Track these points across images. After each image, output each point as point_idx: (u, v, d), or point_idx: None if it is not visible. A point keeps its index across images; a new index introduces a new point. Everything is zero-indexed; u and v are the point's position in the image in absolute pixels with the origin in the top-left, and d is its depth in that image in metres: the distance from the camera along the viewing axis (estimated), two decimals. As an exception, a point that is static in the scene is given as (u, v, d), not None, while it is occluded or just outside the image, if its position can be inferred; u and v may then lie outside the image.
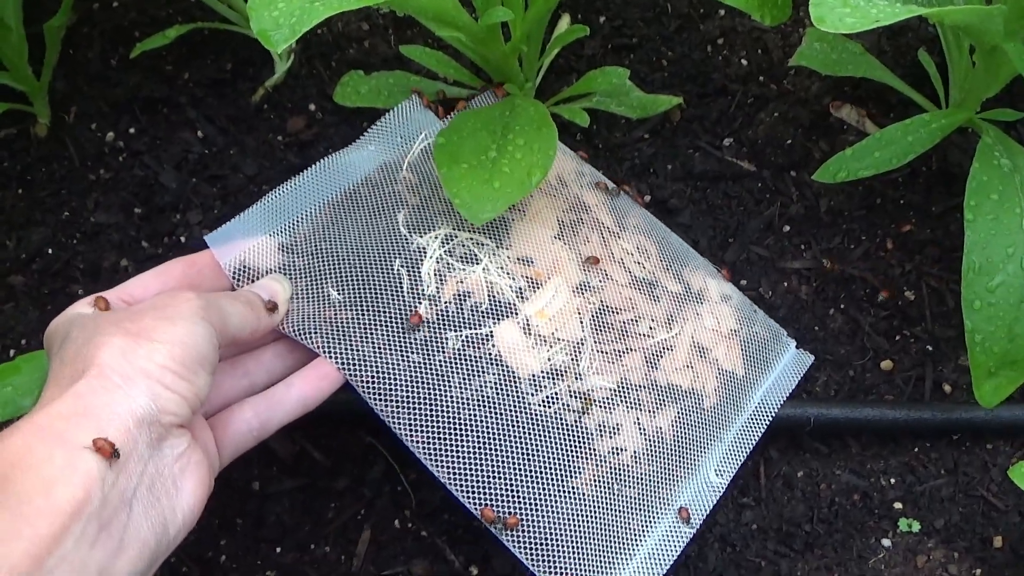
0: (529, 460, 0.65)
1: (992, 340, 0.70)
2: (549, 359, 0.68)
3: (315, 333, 0.64)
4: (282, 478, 0.74)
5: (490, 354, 0.67)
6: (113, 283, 0.77)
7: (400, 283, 0.67)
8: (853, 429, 0.77)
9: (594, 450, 0.67)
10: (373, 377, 0.63)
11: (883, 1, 0.56)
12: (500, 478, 0.63)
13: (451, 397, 0.64)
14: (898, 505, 0.75)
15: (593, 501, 0.65)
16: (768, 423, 0.74)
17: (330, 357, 0.63)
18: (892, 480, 0.76)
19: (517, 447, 0.65)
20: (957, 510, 0.75)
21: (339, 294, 0.66)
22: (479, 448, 0.64)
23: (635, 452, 0.68)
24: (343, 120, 0.85)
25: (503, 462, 0.64)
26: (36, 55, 0.84)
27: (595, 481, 0.66)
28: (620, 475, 0.67)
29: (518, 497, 0.63)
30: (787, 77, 0.89)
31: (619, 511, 0.66)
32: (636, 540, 0.66)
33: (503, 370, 0.66)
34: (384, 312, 0.66)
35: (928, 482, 0.76)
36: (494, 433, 0.64)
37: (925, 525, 0.74)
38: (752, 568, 0.72)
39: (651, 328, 0.73)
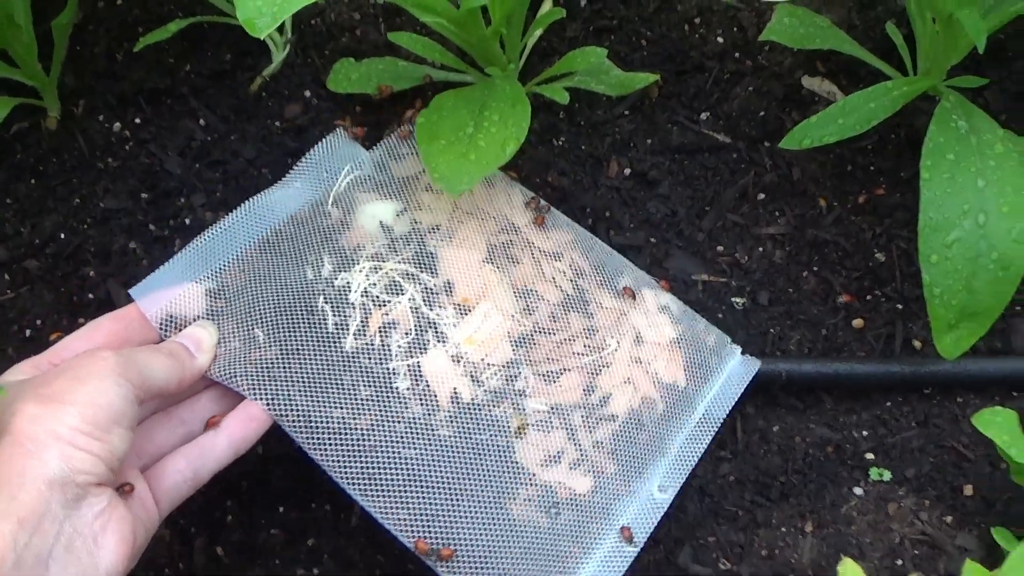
0: (462, 489, 0.64)
1: (950, 293, 0.74)
2: (480, 385, 0.67)
3: (241, 375, 0.64)
4: (283, 441, 0.78)
5: (418, 384, 0.66)
6: (123, 265, 0.82)
7: (324, 319, 0.67)
8: (826, 384, 0.80)
9: (530, 474, 0.66)
10: (300, 415, 0.63)
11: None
12: (433, 509, 0.63)
13: (379, 430, 0.64)
14: (870, 456, 0.78)
15: (529, 526, 0.65)
16: (715, 432, 0.73)
17: (256, 398, 0.63)
18: (864, 432, 0.79)
19: (449, 477, 0.64)
20: (928, 460, 0.78)
21: (264, 334, 0.66)
22: (410, 480, 0.63)
23: (573, 473, 0.67)
24: (337, 105, 0.89)
25: (435, 493, 0.63)
26: (45, 52, 0.89)
27: (531, 505, 0.65)
28: (557, 498, 0.66)
29: (453, 527, 0.63)
30: (762, 53, 0.93)
31: (557, 535, 0.66)
32: (576, 563, 0.65)
33: (432, 399, 0.66)
34: (309, 350, 0.66)
35: (899, 434, 0.79)
36: (425, 464, 0.64)
37: (896, 474, 0.78)
38: (729, 517, 0.76)
39: (587, 346, 0.72)
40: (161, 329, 0.66)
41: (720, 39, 0.94)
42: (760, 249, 0.85)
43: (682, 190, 0.87)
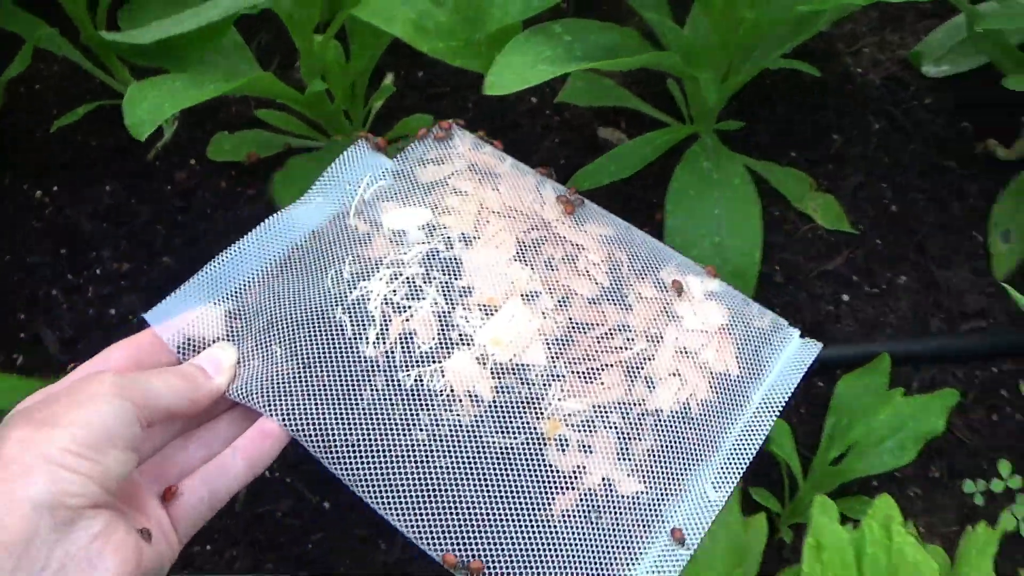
0: (493, 498, 0.61)
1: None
2: (509, 387, 0.64)
3: (257, 393, 0.61)
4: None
5: (442, 391, 0.63)
6: (48, 309, 1.01)
7: (343, 330, 0.64)
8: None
9: (568, 478, 0.62)
10: (317, 429, 0.61)
11: (545, 64, 0.79)
12: (461, 521, 0.60)
13: (400, 440, 0.61)
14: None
15: (569, 533, 0.61)
16: (773, 422, 0.68)
17: (271, 414, 0.61)
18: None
19: (478, 486, 0.61)
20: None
21: (282, 350, 0.63)
22: (435, 491, 0.60)
23: (616, 475, 0.63)
24: (215, 171, 1.09)
25: (463, 504, 0.60)
26: (-23, 134, 1.09)
27: (571, 511, 0.62)
28: (599, 502, 0.62)
29: (483, 539, 0.60)
30: (568, 109, 1.13)
31: (601, 541, 0.61)
32: (624, 570, 0.61)
33: (457, 405, 0.63)
34: (326, 362, 0.63)
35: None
36: (451, 474, 0.61)
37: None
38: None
39: (628, 339, 0.68)
40: (179, 352, 0.64)
41: (534, 99, 1.14)
42: (562, 271, 1.04)
43: (499, 226, 1.06)
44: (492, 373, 0.64)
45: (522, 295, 0.68)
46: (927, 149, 1.13)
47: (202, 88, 0.84)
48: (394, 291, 0.66)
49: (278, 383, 0.62)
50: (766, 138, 1.11)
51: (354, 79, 1.01)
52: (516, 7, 0.84)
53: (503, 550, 0.59)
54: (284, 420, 0.60)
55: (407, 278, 0.67)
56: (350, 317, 0.65)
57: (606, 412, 0.64)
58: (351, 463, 0.60)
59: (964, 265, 1.07)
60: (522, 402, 0.64)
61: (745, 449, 0.67)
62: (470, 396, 0.63)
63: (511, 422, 0.63)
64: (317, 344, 0.63)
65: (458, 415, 0.63)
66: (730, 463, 0.66)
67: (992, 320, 1.05)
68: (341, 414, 0.61)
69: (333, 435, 0.61)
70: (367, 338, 0.64)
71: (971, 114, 1.16)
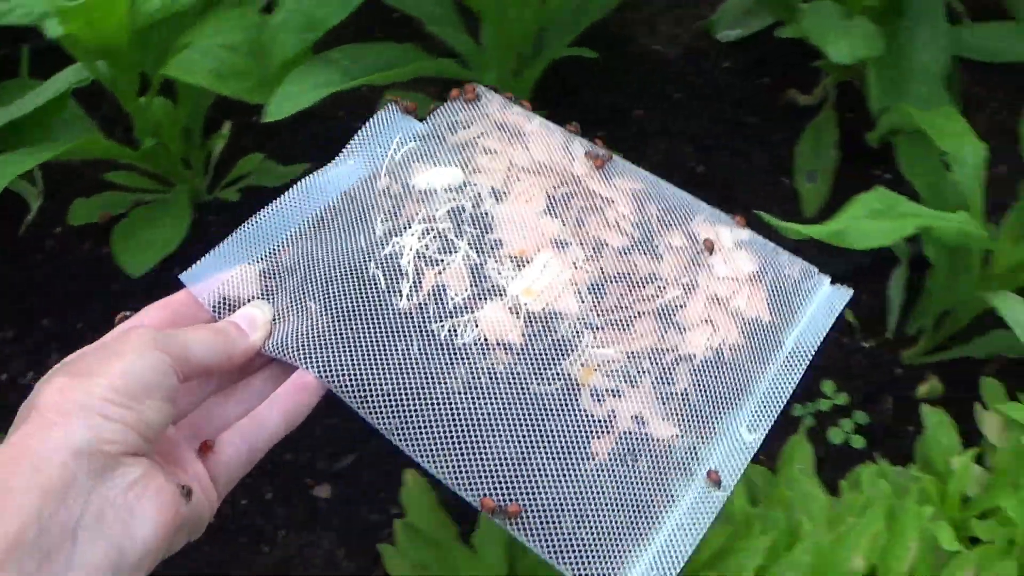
0: (528, 444, 0.62)
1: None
2: (543, 336, 0.65)
3: (293, 347, 0.62)
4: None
5: (476, 341, 0.64)
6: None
7: (376, 283, 0.65)
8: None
9: (604, 424, 0.64)
10: (353, 380, 0.62)
11: (318, 88, 0.89)
12: (496, 466, 0.61)
13: (435, 389, 0.62)
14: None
15: (606, 477, 0.62)
16: (806, 367, 0.70)
17: (308, 367, 0.62)
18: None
19: (513, 433, 0.62)
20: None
21: (316, 305, 0.64)
22: (471, 438, 0.61)
23: (650, 419, 0.64)
24: (78, 235, 1.20)
25: (498, 450, 0.61)
26: None
27: (607, 456, 0.63)
28: (635, 446, 0.64)
29: (519, 484, 0.61)
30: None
31: (637, 484, 0.63)
32: (661, 512, 0.62)
33: (491, 354, 0.64)
34: (361, 315, 0.64)
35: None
36: (486, 421, 0.62)
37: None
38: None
39: (660, 288, 0.69)
40: (214, 311, 0.64)
41: (359, 124, 1.23)
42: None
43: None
44: (525, 322, 0.65)
45: (553, 246, 0.69)
46: (729, 109, 1.23)
47: (34, 156, 0.95)
48: (426, 246, 0.67)
49: (314, 337, 0.63)
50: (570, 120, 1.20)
51: (186, 130, 1.11)
52: (291, 44, 0.95)
53: (541, 494, 0.61)
54: (321, 372, 0.61)
55: (438, 232, 0.68)
56: (383, 271, 0.66)
57: (639, 359, 0.66)
58: (387, 412, 0.61)
59: (774, 209, 1.16)
60: (556, 350, 0.65)
61: (779, 392, 0.68)
62: (504, 345, 0.64)
63: (545, 370, 0.64)
64: (351, 298, 0.64)
65: (492, 364, 0.64)
66: (765, 406, 0.67)
67: (804, 256, 1.14)
68: (377, 365, 0.62)
69: (369, 385, 0.62)
70: (400, 291, 0.65)
71: (769, 70, 1.26)
